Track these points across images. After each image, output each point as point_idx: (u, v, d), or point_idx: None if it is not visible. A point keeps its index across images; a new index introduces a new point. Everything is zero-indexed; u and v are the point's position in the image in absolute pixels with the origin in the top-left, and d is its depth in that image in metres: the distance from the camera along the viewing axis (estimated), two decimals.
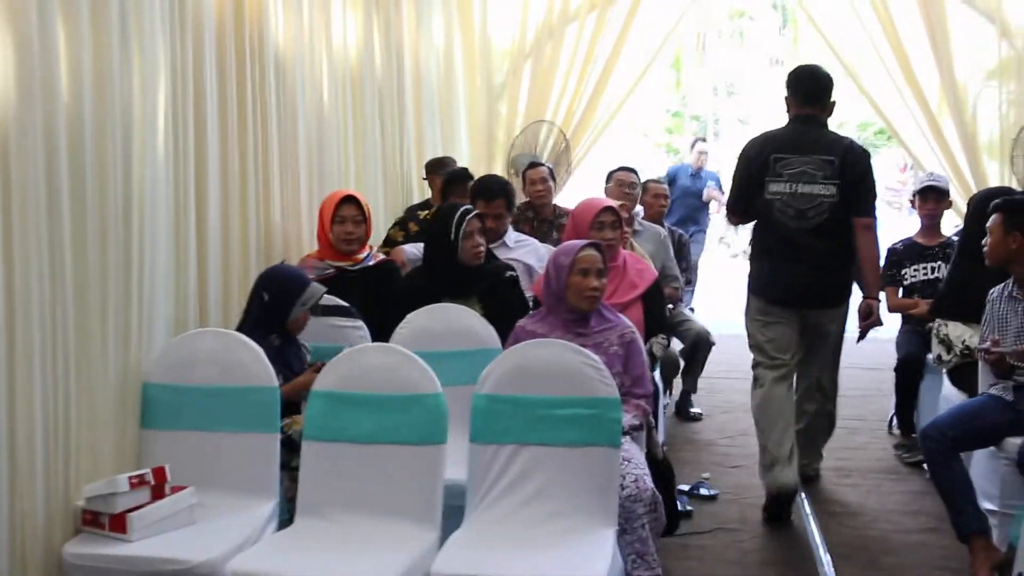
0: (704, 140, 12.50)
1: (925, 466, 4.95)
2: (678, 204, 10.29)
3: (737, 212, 5.18)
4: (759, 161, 4.93)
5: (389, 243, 5.86)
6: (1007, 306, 4.30)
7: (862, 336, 5.23)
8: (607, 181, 6.80)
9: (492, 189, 5.44)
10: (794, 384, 5.14)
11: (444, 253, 4.54)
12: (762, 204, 4.92)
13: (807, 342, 5.09)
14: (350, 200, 4.75)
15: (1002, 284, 4.37)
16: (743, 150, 5.08)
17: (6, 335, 2.97)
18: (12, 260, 3.00)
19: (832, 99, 4.99)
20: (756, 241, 5.16)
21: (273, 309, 4.03)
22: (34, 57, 3.06)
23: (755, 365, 5.12)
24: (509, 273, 4.66)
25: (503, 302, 4.50)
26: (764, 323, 5.03)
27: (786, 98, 5.08)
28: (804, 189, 4.82)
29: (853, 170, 4.82)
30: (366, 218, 4.78)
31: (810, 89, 4.98)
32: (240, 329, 3.98)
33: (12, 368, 3.01)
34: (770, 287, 4.99)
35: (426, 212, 6.08)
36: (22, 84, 3.02)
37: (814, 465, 5.42)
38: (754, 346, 5.12)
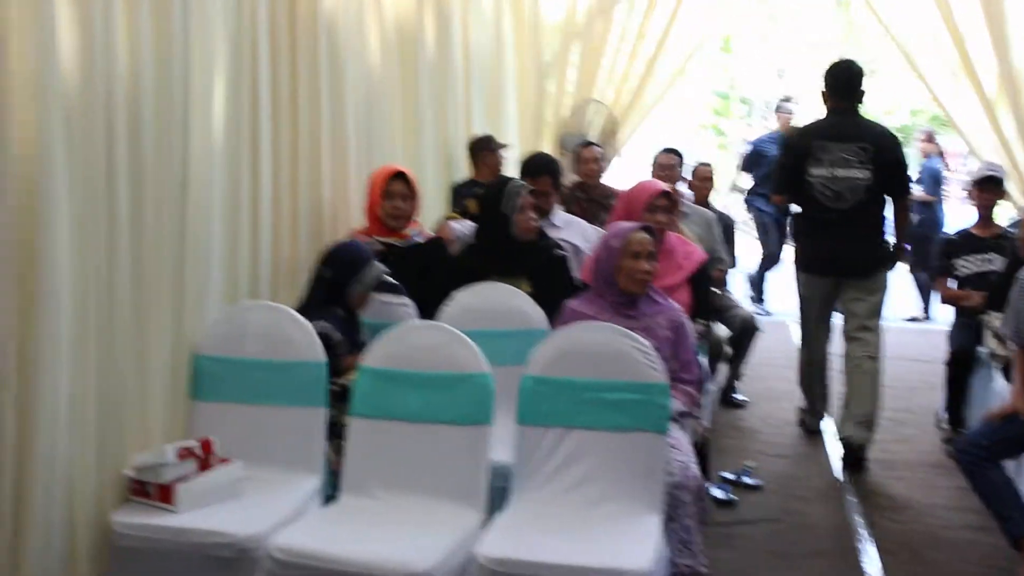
0: (789, 100, 10.12)
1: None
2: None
3: (782, 193, 5.93)
4: (801, 148, 5.57)
5: (466, 215, 5.83)
6: None
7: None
8: (653, 164, 6.83)
9: (537, 166, 5.45)
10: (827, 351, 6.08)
11: (497, 227, 4.56)
12: (804, 187, 5.54)
13: (847, 309, 5.72)
14: (399, 176, 4.77)
15: None
16: (787, 137, 5.94)
17: (64, 302, 3.01)
18: (73, 230, 3.05)
19: (863, 90, 5.62)
20: (799, 220, 5.83)
21: (333, 286, 4.09)
22: (95, 33, 3.10)
23: (802, 329, 5.99)
24: (558, 251, 4.66)
25: (552, 281, 4.49)
26: (809, 294, 5.82)
27: (823, 92, 5.67)
28: (842, 173, 5.46)
29: (886, 156, 5.46)
30: (414, 194, 4.80)
31: (845, 84, 5.61)
32: (304, 304, 4.03)
33: (70, 335, 3.06)
34: (813, 261, 5.75)
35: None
36: (84, 59, 3.07)
37: (861, 434, 5.55)
38: (800, 314, 5.93)
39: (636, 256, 3.90)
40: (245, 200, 4.12)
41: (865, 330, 5.65)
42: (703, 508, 3.57)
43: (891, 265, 5.73)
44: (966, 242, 5.94)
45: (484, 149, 6.76)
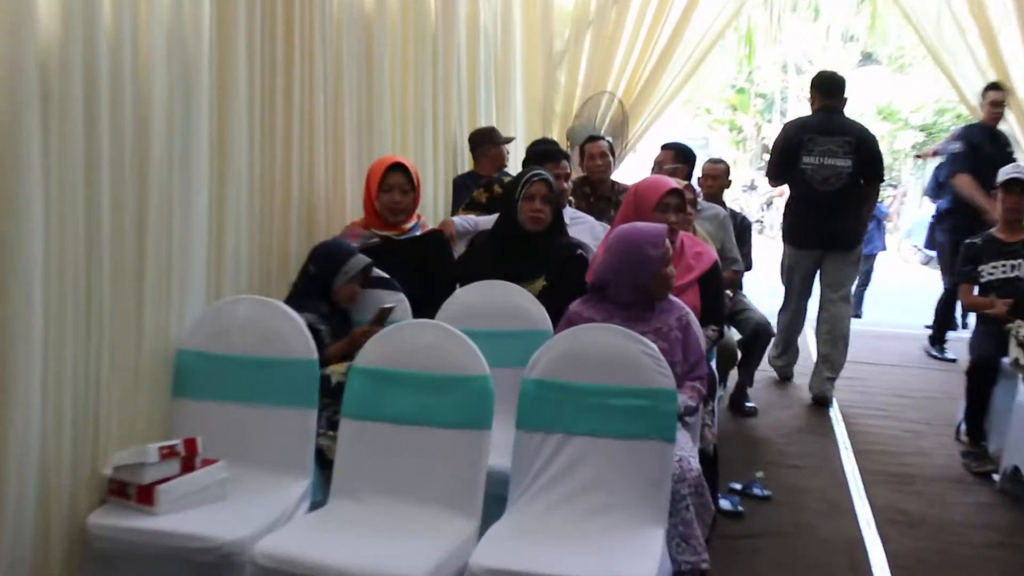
0: (998, 88, 7.90)
1: (995, 476, 4.90)
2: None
3: (776, 177, 7.26)
4: (795, 140, 6.94)
5: (473, 205, 5.81)
6: None
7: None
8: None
9: (555, 151, 5.45)
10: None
11: (507, 218, 4.58)
12: (797, 172, 6.91)
13: (829, 278, 7.05)
14: (398, 168, 4.71)
15: None
16: (783, 130, 7.19)
17: (37, 295, 2.96)
18: (48, 219, 2.99)
19: (846, 95, 7.01)
20: (791, 200, 7.18)
21: (318, 279, 4.15)
22: (73, 12, 3.04)
23: (786, 295, 7.30)
24: (580, 252, 4.61)
25: (569, 281, 4.40)
26: (796, 264, 7.15)
27: (811, 94, 7.14)
28: (829, 161, 6.82)
29: (865, 149, 6.82)
30: (415, 187, 4.75)
31: (831, 87, 7.01)
32: (288, 301, 3.99)
33: (45, 329, 3.01)
34: (800, 235, 7.12)
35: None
36: (63, 40, 3.01)
37: (829, 389, 7.01)
38: (785, 282, 7.27)
39: (669, 262, 3.87)
40: (233, 189, 4.07)
41: (842, 299, 7.04)
42: (703, 503, 3.52)
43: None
44: (990, 247, 5.88)
45: (486, 142, 6.70)
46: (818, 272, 7.11)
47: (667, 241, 3.86)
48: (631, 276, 3.82)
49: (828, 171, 6.79)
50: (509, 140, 6.88)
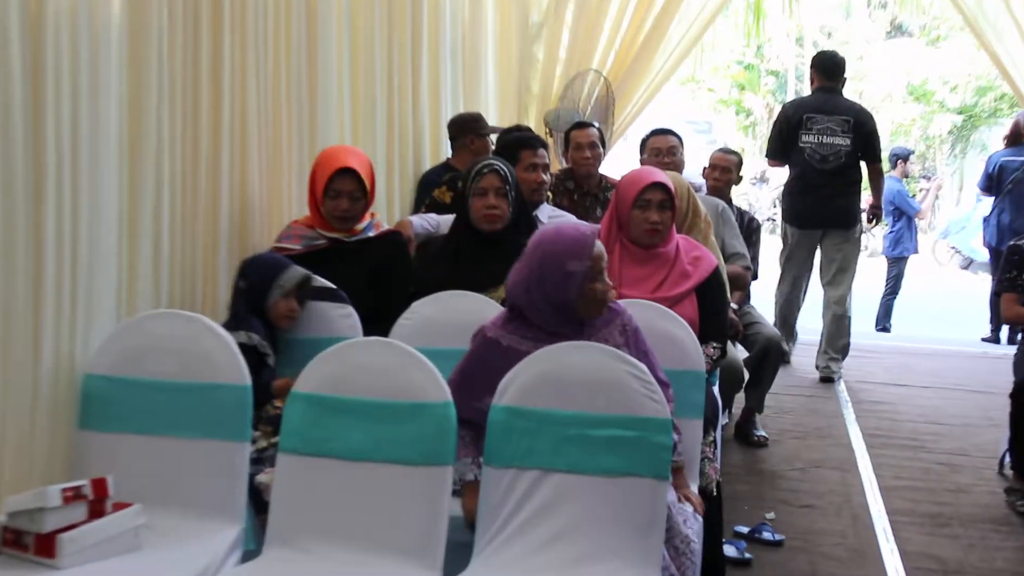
0: None
1: None
2: None
3: (777, 157, 8.43)
4: (795, 119, 8.14)
5: (435, 206, 5.80)
6: None
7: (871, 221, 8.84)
8: (641, 151, 6.77)
9: (531, 138, 5.45)
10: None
11: (461, 219, 4.61)
12: (796, 151, 8.10)
13: (827, 256, 8.24)
14: (348, 172, 4.66)
15: None
16: (782, 110, 8.55)
17: None
18: None
19: (845, 76, 8.32)
20: (790, 180, 8.35)
21: (251, 295, 4.17)
22: None
23: (783, 272, 8.45)
24: None
25: None
26: (798, 243, 8.29)
27: (811, 74, 8.43)
28: (827, 140, 7.99)
29: (863, 128, 8.05)
30: (367, 192, 4.73)
31: (830, 68, 8.25)
32: (227, 324, 3.98)
33: None
34: (800, 214, 8.25)
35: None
36: None
37: (834, 366, 8.27)
38: (784, 260, 8.44)
39: (598, 275, 3.65)
40: (149, 188, 4.03)
41: (841, 275, 8.17)
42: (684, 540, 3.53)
43: (871, 220, 8.78)
44: None
45: (469, 132, 6.67)
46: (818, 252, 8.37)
47: (597, 249, 3.60)
48: (549, 296, 3.62)
49: (827, 149, 8.00)
50: (497, 131, 6.81)
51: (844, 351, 8.36)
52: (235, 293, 4.26)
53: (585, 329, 3.71)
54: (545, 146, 5.56)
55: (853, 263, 8.29)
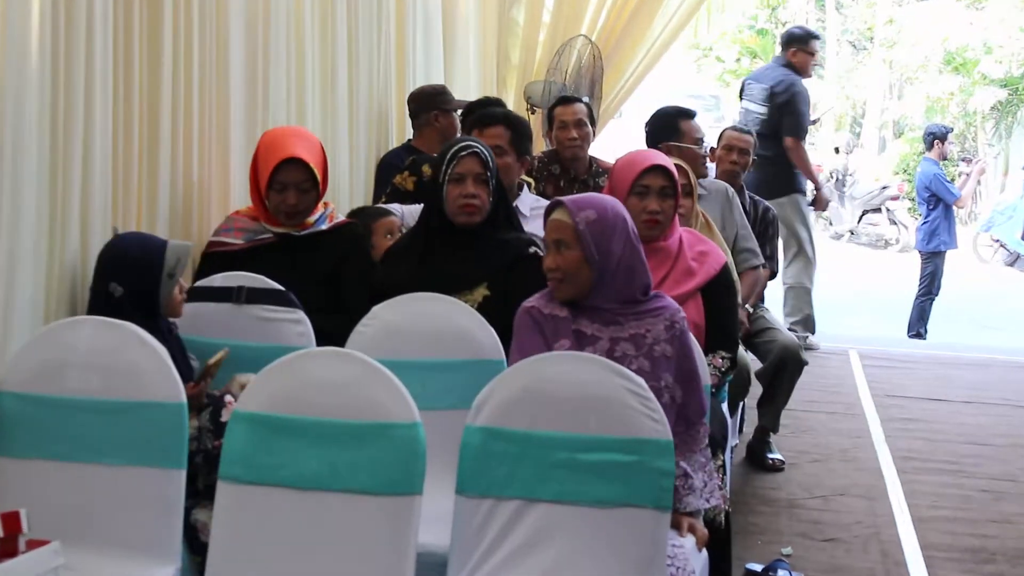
0: None
1: None
2: None
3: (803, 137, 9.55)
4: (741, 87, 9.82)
5: (397, 194, 5.79)
6: None
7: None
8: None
9: (494, 114, 5.43)
10: None
11: (433, 209, 4.56)
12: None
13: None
14: (294, 162, 4.65)
15: None
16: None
17: None
18: None
19: (796, 46, 9.56)
20: None
21: (134, 302, 3.97)
22: None
23: None
24: (533, 249, 4.55)
25: (520, 290, 4.24)
26: None
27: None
28: (750, 106, 9.42)
29: (777, 98, 9.24)
30: (318, 183, 4.72)
31: (783, 39, 9.88)
32: None
33: None
34: None
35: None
36: None
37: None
38: None
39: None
40: (75, 180, 4.03)
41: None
42: None
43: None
44: None
45: (433, 108, 6.66)
46: None
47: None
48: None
49: (747, 117, 9.35)
50: (464, 105, 6.78)
51: (805, 325, 9.49)
52: (106, 304, 3.97)
53: (630, 308, 3.83)
54: (512, 124, 5.48)
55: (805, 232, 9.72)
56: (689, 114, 6.71)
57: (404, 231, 5.08)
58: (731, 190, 6.50)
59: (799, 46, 9.56)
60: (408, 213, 5.19)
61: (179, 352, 4.09)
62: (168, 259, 4.03)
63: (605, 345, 3.77)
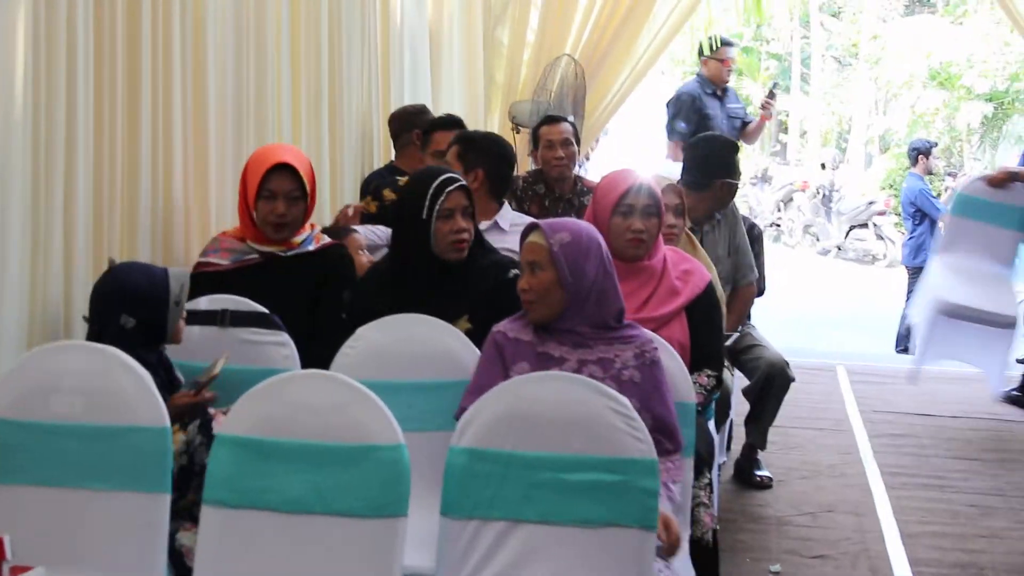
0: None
1: None
2: None
3: None
4: None
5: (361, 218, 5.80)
6: None
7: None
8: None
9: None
10: None
11: (415, 241, 4.48)
12: None
13: None
14: (285, 168, 4.65)
15: None
16: None
17: None
18: None
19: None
20: None
21: (144, 334, 3.97)
22: None
23: None
24: (513, 272, 4.47)
25: (505, 316, 4.24)
26: None
27: None
28: None
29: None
30: (307, 193, 4.70)
31: None
32: None
33: None
34: None
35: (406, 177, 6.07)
36: None
37: None
38: None
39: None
40: (58, 205, 4.03)
41: None
42: None
43: None
44: None
45: (414, 127, 6.67)
46: None
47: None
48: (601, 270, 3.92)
49: None
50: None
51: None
52: (118, 336, 3.91)
53: (600, 333, 3.89)
54: (464, 140, 5.55)
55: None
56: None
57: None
58: (734, 204, 6.54)
59: (710, 55, 9.51)
60: (384, 234, 5.19)
61: (169, 366, 4.10)
62: (173, 287, 4.03)
63: (572, 367, 3.81)
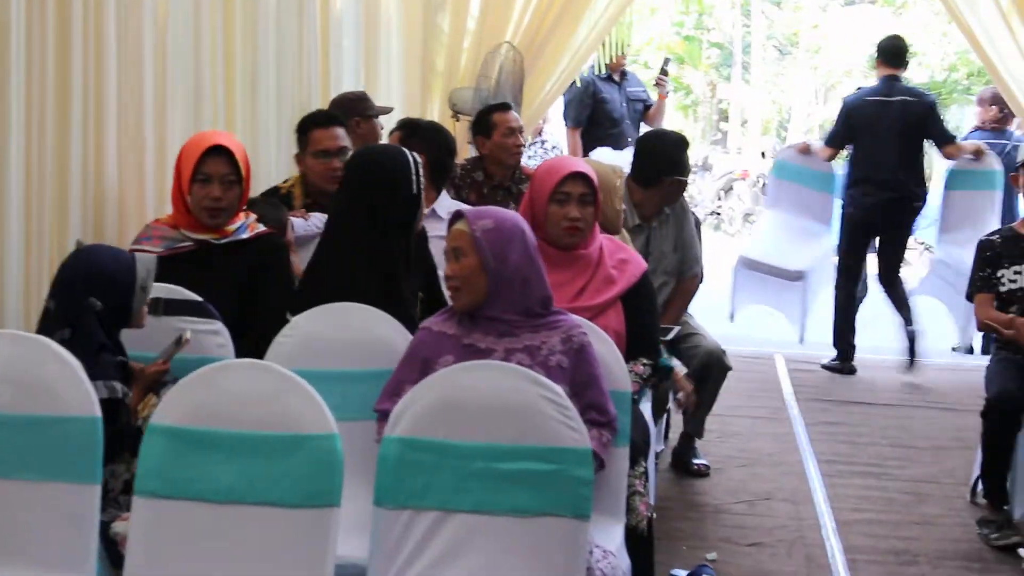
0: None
1: (1021, 552, 4.98)
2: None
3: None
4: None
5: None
6: None
7: None
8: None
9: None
10: None
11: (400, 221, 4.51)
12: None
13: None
14: (219, 151, 4.62)
15: None
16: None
17: None
18: None
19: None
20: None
21: (111, 318, 3.95)
22: None
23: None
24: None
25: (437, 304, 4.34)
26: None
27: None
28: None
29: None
30: (242, 177, 4.68)
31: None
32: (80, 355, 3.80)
33: None
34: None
35: None
36: None
37: None
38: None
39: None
40: None
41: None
42: None
43: None
44: (1010, 246, 5.95)
45: (353, 114, 6.63)
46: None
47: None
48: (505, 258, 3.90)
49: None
50: (386, 111, 6.82)
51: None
52: (86, 320, 3.90)
53: (526, 321, 3.89)
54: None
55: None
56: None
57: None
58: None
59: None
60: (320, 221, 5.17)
61: (123, 351, 4.06)
62: (139, 272, 4.01)
63: (500, 356, 3.80)
